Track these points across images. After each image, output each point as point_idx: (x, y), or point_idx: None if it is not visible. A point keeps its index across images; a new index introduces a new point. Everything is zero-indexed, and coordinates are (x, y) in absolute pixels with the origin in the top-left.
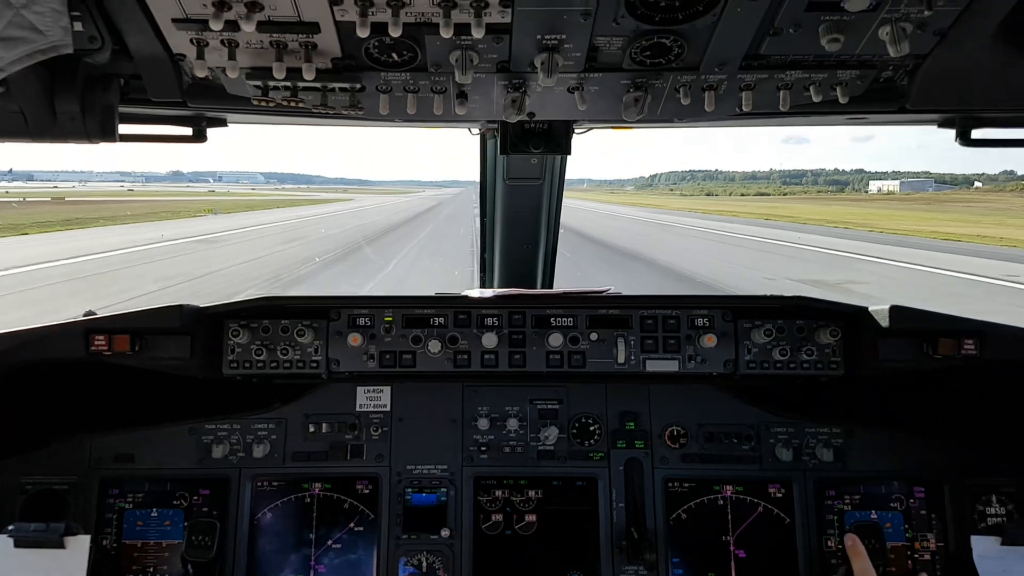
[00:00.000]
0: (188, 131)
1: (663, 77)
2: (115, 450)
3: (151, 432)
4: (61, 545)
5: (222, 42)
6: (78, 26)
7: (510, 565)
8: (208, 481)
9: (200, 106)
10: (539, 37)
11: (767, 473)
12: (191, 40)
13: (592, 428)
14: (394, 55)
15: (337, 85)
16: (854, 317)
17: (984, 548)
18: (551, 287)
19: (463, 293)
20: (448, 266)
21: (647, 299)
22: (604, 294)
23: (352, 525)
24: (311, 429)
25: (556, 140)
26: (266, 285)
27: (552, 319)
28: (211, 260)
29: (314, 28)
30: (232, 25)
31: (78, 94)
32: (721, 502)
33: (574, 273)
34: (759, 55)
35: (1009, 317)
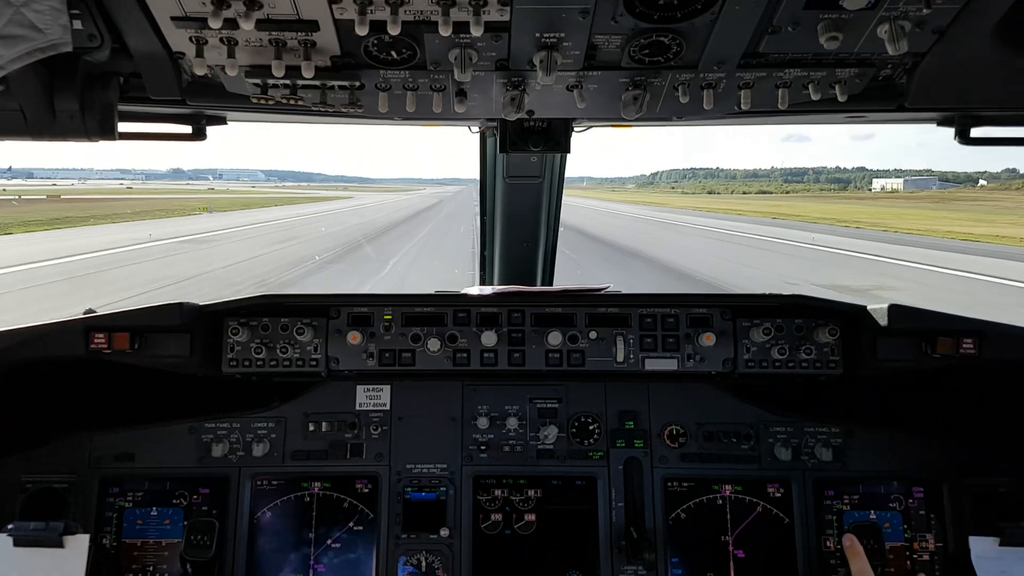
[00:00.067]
0: (187, 129)
1: (662, 75)
2: (115, 449)
3: (151, 431)
4: (60, 544)
5: (221, 40)
6: (77, 24)
7: (509, 564)
8: (208, 480)
9: (199, 104)
10: (538, 35)
11: (766, 473)
12: (190, 38)
13: (591, 427)
14: (393, 53)
15: (336, 83)
16: (853, 316)
17: (982, 549)
18: (551, 285)
19: (463, 291)
20: (448, 264)
21: (646, 297)
22: (603, 292)
23: (351, 524)
24: (311, 428)
25: (555, 138)
26: (250, 291)
27: (551, 318)
28: (195, 262)
29: (313, 26)
30: (231, 23)
31: (77, 92)
32: (720, 502)
33: (574, 272)
34: (758, 53)
35: None
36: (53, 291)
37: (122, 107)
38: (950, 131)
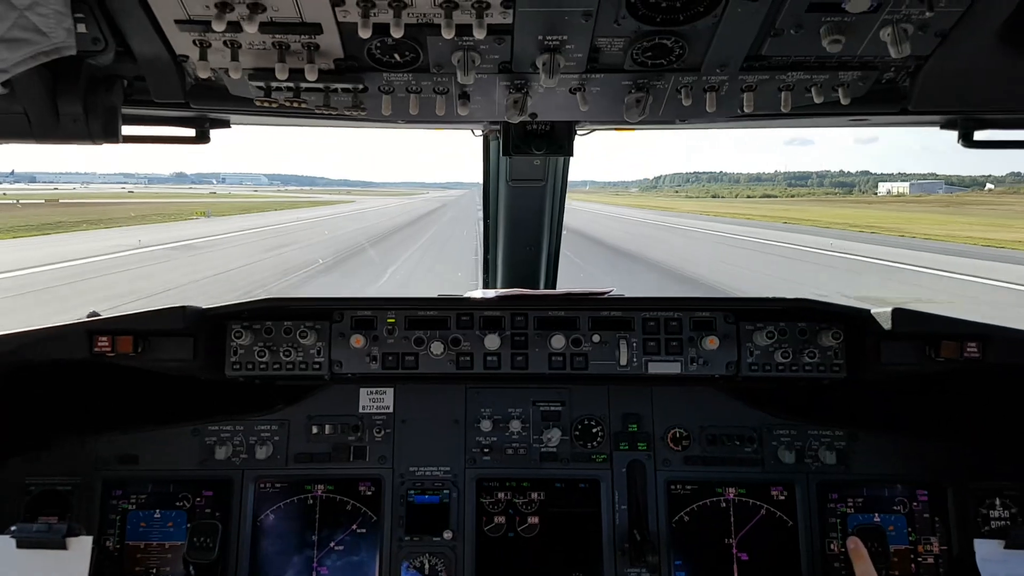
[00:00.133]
0: (191, 132)
1: (664, 78)
2: (119, 451)
3: (154, 433)
4: (63, 546)
5: (224, 43)
6: (81, 28)
7: (512, 567)
8: (211, 482)
9: (203, 107)
10: (540, 38)
11: (769, 476)
12: (194, 41)
13: (595, 430)
14: (396, 56)
15: (339, 86)
16: (856, 319)
17: (987, 552)
18: (554, 288)
19: (465, 294)
20: (450, 271)
21: (649, 301)
22: (606, 295)
23: (355, 527)
24: (314, 431)
25: (558, 141)
26: None
27: (554, 321)
28: (180, 271)
29: (316, 29)
30: (234, 26)
31: (81, 95)
32: (723, 504)
33: (577, 276)
34: (760, 56)
35: None
36: (18, 303)
37: (126, 110)
38: (953, 134)
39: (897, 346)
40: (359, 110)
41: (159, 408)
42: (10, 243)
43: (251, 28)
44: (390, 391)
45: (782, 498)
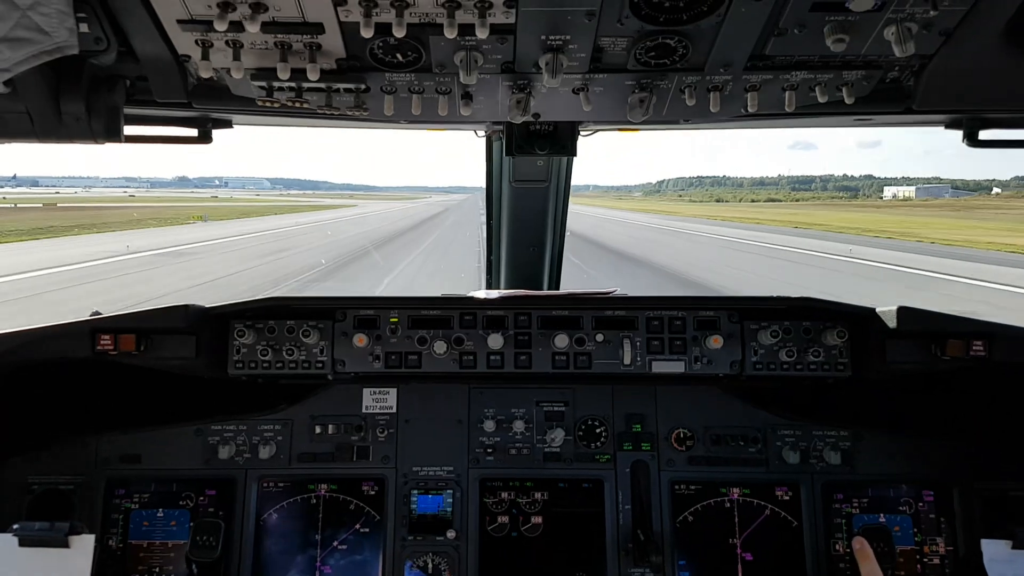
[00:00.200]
0: (193, 132)
1: (668, 78)
2: (121, 450)
3: (157, 432)
4: (65, 544)
5: (227, 43)
6: (84, 27)
7: (516, 567)
8: (214, 482)
9: (205, 107)
10: (543, 38)
11: (774, 476)
12: (196, 41)
13: (598, 430)
14: (398, 56)
15: (342, 86)
16: (861, 318)
17: (995, 552)
18: (558, 289)
19: (469, 294)
20: (452, 281)
21: (653, 300)
22: (610, 295)
23: (358, 526)
24: (317, 430)
25: (562, 141)
26: None
27: (558, 320)
28: (161, 280)
29: (318, 29)
30: (237, 26)
31: (83, 95)
32: (728, 505)
33: (581, 279)
34: (764, 56)
35: None
36: None
37: (128, 110)
38: (955, 138)
39: (902, 345)
40: (361, 110)
41: (162, 407)
42: (4, 248)
43: (253, 28)
44: (393, 391)
45: (787, 498)
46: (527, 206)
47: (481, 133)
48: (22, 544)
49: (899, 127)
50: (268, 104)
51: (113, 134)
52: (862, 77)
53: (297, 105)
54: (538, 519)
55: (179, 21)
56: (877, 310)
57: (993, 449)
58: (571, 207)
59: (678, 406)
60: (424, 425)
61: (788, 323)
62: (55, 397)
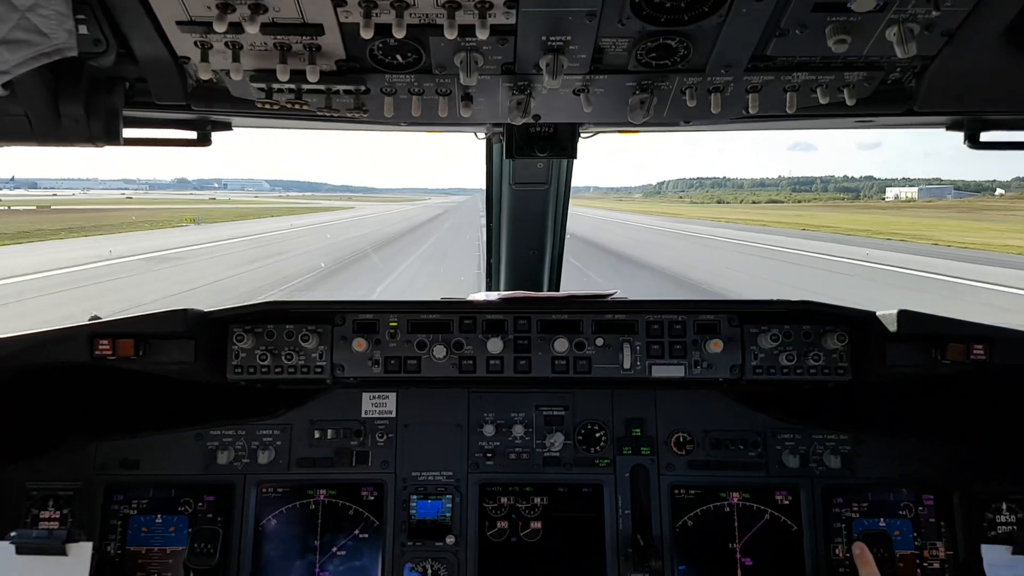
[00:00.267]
0: (193, 135)
1: (669, 79)
2: (120, 456)
3: (156, 438)
4: (63, 552)
5: (226, 44)
6: (83, 29)
7: (515, 572)
8: (213, 487)
9: (204, 109)
10: (544, 38)
11: (774, 480)
12: (195, 43)
13: (598, 435)
14: (398, 57)
15: (341, 87)
16: (861, 322)
17: (995, 557)
18: (557, 291)
19: (468, 298)
20: (450, 286)
21: (653, 304)
22: (609, 298)
23: (357, 532)
24: (316, 435)
25: (562, 144)
26: None
27: (557, 324)
28: (139, 288)
29: (318, 30)
30: (236, 27)
31: (83, 97)
32: (727, 509)
33: (584, 282)
34: (765, 56)
35: None
36: None
37: (127, 112)
38: (956, 140)
39: (902, 348)
40: (361, 112)
41: (161, 412)
42: None
43: (252, 29)
44: (392, 395)
45: (786, 503)
46: (527, 208)
47: (481, 135)
48: (19, 552)
49: (900, 128)
50: (268, 106)
51: (112, 136)
52: (863, 78)
53: (297, 107)
54: (537, 524)
55: (178, 22)
56: (877, 313)
57: (994, 453)
58: (571, 209)
59: (678, 410)
60: (423, 430)
61: (788, 327)
62: (53, 402)
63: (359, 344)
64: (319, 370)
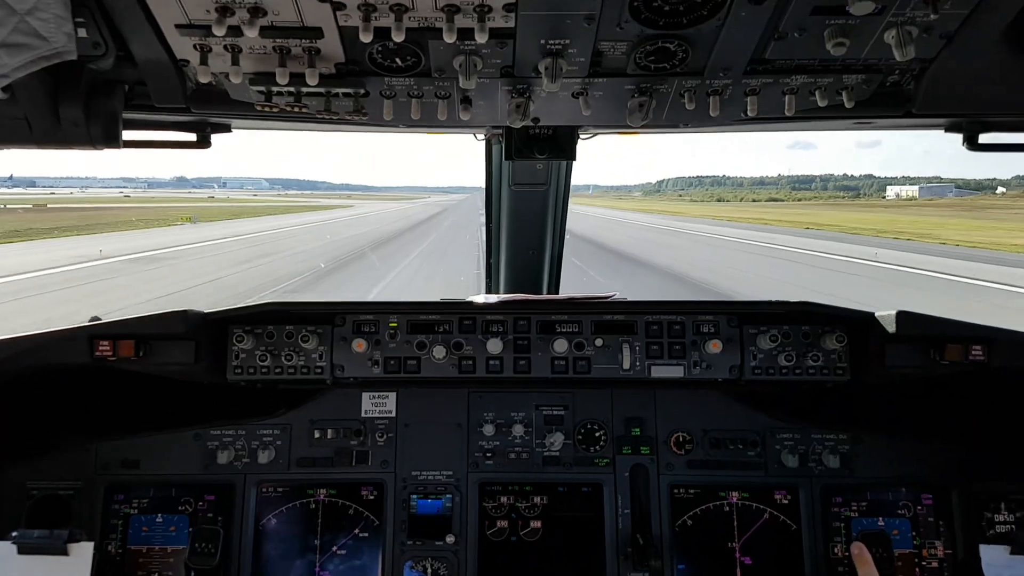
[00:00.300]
0: (192, 137)
1: (668, 82)
2: (121, 455)
3: (156, 438)
4: (64, 552)
5: (225, 48)
6: (82, 32)
7: (515, 572)
8: (213, 487)
9: (204, 112)
10: (543, 42)
11: (773, 479)
12: (194, 46)
13: (598, 434)
14: (398, 60)
15: (341, 90)
16: (860, 323)
17: (993, 557)
18: (557, 293)
19: (468, 299)
20: (449, 287)
21: (652, 305)
22: (609, 299)
23: (357, 531)
24: (316, 435)
25: (561, 146)
26: None
27: (557, 325)
28: (119, 291)
29: (317, 33)
30: (235, 31)
31: (82, 100)
32: (727, 508)
33: (588, 284)
34: (764, 59)
35: None
36: None
37: (127, 115)
38: (957, 138)
39: (901, 349)
40: (360, 114)
41: (161, 412)
42: None
43: (252, 33)
44: (392, 395)
45: (785, 502)
46: (526, 209)
47: (480, 136)
48: (21, 552)
49: (898, 130)
50: (267, 109)
51: (112, 139)
52: (862, 81)
53: (296, 109)
54: (537, 523)
55: (177, 26)
56: (876, 314)
57: (992, 453)
58: (571, 208)
59: (677, 409)
60: (423, 429)
61: (787, 327)
62: (54, 403)
63: (359, 345)
64: (319, 371)
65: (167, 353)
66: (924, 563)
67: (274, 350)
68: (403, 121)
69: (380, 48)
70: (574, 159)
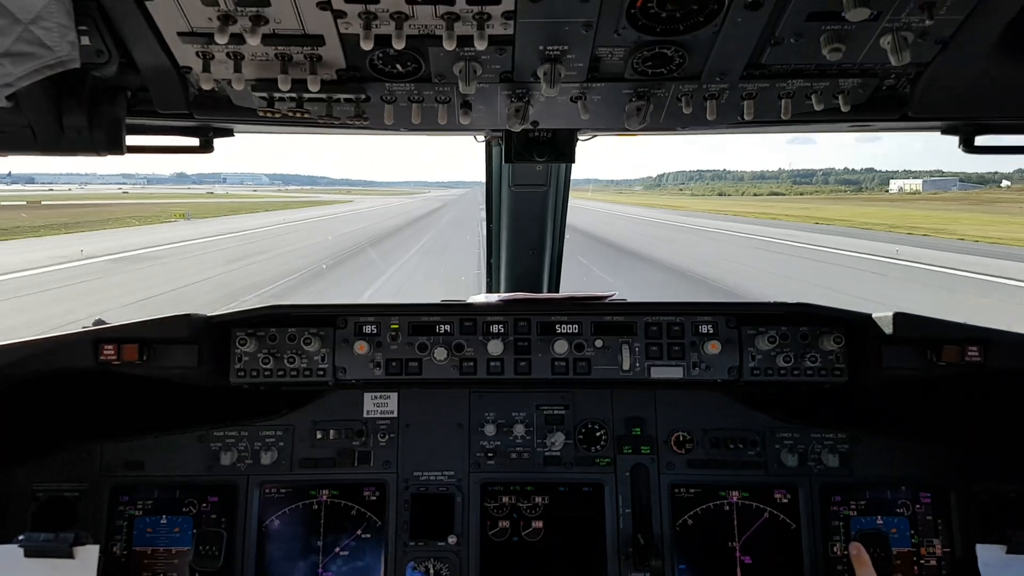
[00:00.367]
0: (195, 142)
1: (665, 87)
2: (125, 457)
3: (160, 439)
4: (70, 555)
5: (228, 55)
6: (85, 40)
7: (516, 572)
8: (216, 488)
9: (206, 117)
10: (541, 48)
11: (773, 479)
12: (197, 53)
13: (598, 434)
14: (398, 66)
15: (342, 96)
16: (858, 324)
17: (989, 556)
18: (557, 292)
19: (469, 299)
20: (444, 290)
21: (651, 306)
22: (609, 300)
23: (359, 532)
24: (318, 436)
25: (560, 148)
26: None
27: (557, 326)
28: (93, 295)
29: (319, 41)
30: (237, 38)
31: (85, 107)
32: (727, 508)
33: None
34: (760, 64)
35: None
36: None
37: (130, 121)
38: (954, 138)
39: (899, 350)
40: (361, 119)
41: (165, 415)
42: None
43: (254, 40)
44: (394, 396)
45: (785, 501)
46: (526, 209)
47: (481, 138)
48: (27, 555)
49: (894, 132)
50: (269, 114)
51: (115, 146)
52: (858, 85)
53: (298, 115)
54: (538, 523)
55: (180, 34)
56: (873, 316)
57: (990, 452)
58: (570, 202)
59: (677, 409)
60: (425, 429)
61: (785, 328)
62: (59, 406)
63: (361, 347)
64: (321, 373)
65: (171, 357)
66: (922, 561)
67: (277, 353)
68: (404, 125)
69: (381, 55)
70: (573, 161)
